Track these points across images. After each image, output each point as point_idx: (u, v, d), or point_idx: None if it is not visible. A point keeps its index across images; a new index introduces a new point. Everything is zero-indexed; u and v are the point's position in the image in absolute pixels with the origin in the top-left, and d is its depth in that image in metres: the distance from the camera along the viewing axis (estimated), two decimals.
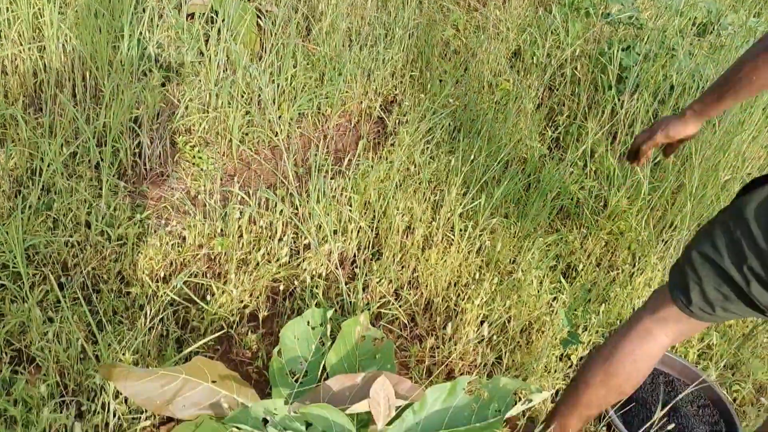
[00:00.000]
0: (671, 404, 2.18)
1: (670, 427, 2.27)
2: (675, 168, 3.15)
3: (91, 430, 1.81)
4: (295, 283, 2.54)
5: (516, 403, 1.92)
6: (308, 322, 2.15)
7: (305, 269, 2.55)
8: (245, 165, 3.13)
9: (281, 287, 2.48)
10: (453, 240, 2.80)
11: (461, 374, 2.45)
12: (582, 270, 2.89)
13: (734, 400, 2.64)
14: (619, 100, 3.54)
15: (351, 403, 1.93)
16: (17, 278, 2.18)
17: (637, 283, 2.79)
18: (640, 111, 3.50)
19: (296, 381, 2.06)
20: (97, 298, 2.24)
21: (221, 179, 2.94)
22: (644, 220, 3.02)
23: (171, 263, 2.47)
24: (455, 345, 2.48)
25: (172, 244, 2.50)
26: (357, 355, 2.14)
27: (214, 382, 1.92)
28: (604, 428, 2.36)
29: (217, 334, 2.18)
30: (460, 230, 2.83)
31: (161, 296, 2.28)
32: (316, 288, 2.48)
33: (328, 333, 2.15)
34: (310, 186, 2.81)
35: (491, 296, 2.58)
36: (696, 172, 3.03)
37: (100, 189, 2.54)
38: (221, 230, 2.61)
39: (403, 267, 2.71)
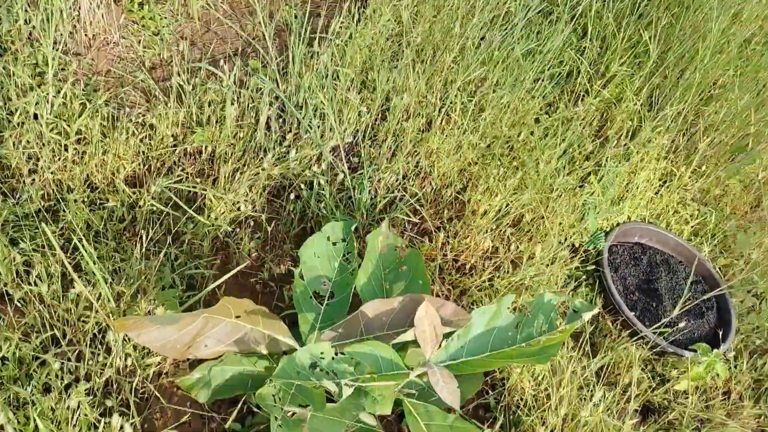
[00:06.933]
0: (679, 305, 2.18)
1: (681, 325, 2.30)
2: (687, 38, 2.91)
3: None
4: (291, 177, 2.23)
5: (557, 318, 1.82)
6: (328, 238, 1.90)
7: (296, 159, 2.23)
8: (203, 25, 2.62)
9: (277, 184, 2.18)
10: (453, 118, 2.53)
11: (473, 269, 2.34)
12: (580, 151, 2.72)
13: (724, 275, 2.71)
14: None
15: (390, 329, 1.78)
16: None
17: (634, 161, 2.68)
18: None
19: (321, 303, 1.85)
20: (65, 211, 1.87)
21: (178, 45, 2.45)
22: (644, 88, 2.85)
23: (144, 161, 2.09)
24: (465, 238, 2.33)
25: (142, 138, 2.09)
26: (382, 267, 1.94)
27: (237, 317, 1.69)
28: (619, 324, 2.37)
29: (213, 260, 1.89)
30: (462, 104, 2.57)
31: (144, 206, 1.93)
32: (317, 186, 2.20)
33: (355, 251, 1.92)
34: (290, 52, 2.38)
35: (502, 177, 2.39)
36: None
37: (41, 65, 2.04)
38: (196, 117, 2.20)
39: (408, 155, 2.43)
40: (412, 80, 2.51)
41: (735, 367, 2.43)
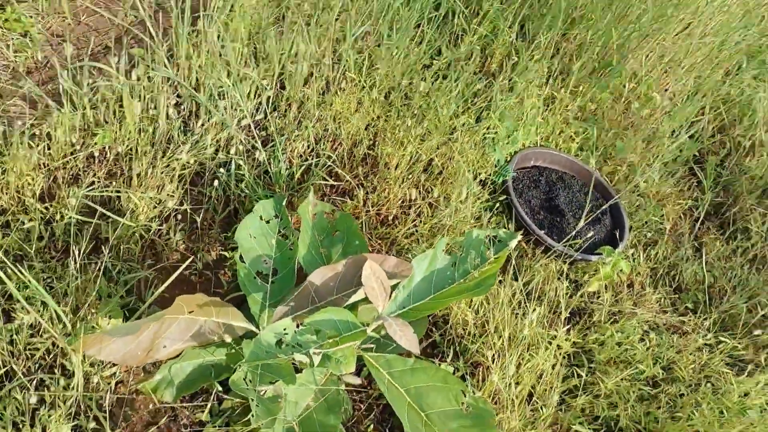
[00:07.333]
0: (582, 219, 2.45)
1: (590, 234, 2.55)
2: None
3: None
4: (205, 162, 2.21)
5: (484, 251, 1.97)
6: (261, 217, 1.93)
7: (210, 145, 2.21)
8: (74, 18, 2.47)
9: (192, 172, 2.16)
10: (351, 78, 2.58)
11: (396, 219, 2.45)
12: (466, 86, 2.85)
13: (611, 181, 2.99)
14: None
15: (339, 293, 1.86)
16: None
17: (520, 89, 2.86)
18: None
19: (267, 282, 1.90)
20: None
21: (50, 44, 2.32)
22: (516, 21, 3.01)
23: (48, 173, 2.00)
24: (383, 191, 2.43)
25: (41, 150, 1.99)
26: (316, 235, 2.01)
27: (190, 312, 1.70)
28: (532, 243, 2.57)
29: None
30: (355, 62, 2.61)
31: (62, 221, 1.87)
32: (235, 167, 2.20)
33: (291, 225, 1.96)
34: (172, 33, 2.31)
35: (407, 128, 2.49)
36: None
37: None
38: (93, 117, 2.12)
39: (315, 120, 2.46)
40: (302, 45, 2.52)
41: (634, 260, 2.73)
